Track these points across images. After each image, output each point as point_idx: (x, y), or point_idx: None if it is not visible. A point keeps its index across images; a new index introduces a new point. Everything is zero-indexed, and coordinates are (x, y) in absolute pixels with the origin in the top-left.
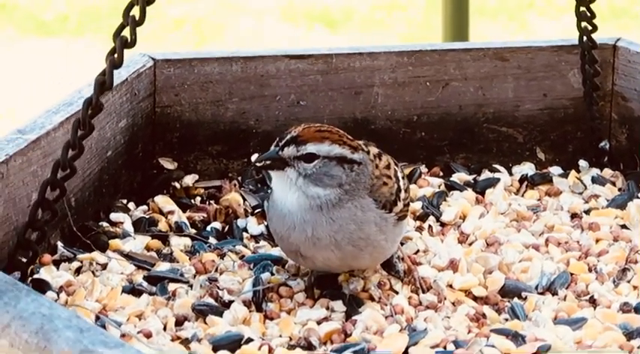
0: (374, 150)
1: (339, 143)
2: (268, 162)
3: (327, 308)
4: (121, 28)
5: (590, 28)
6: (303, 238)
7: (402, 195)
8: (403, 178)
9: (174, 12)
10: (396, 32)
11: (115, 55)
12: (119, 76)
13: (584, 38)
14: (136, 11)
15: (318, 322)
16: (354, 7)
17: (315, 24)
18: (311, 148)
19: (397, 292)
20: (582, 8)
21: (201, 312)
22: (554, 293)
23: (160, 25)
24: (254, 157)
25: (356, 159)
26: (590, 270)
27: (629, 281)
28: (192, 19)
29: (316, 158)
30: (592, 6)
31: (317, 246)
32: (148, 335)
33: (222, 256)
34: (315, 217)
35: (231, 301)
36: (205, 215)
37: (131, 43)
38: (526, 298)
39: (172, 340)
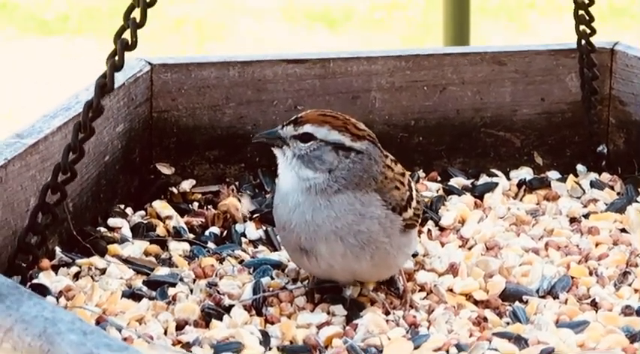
0: (390, 156)
1: (339, 130)
2: (266, 138)
3: (328, 312)
4: (122, 30)
5: (588, 31)
6: (303, 223)
7: (414, 204)
8: (417, 191)
9: (175, 12)
10: (395, 32)
11: (116, 58)
12: (116, 80)
13: (583, 42)
14: (136, 13)
15: (319, 327)
16: (354, 7)
17: (315, 24)
18: (308, 128)
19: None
20: (581, 12)
21: (208, 314)
22: (556, 297)
23: (159, 26)
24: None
25: (356, 147)
26: (590, 273)
27: (630, 284)
28: (192, 19)
29: (312, 139)
30: (591, 9)
31: (318, 234)
32: (150, 339)
33: (221, 260)
34: (310, 200)
35: (231, 306)
36: (203, 220)
37: (132, 46)
38: (527, 301)
39: (173, 344)
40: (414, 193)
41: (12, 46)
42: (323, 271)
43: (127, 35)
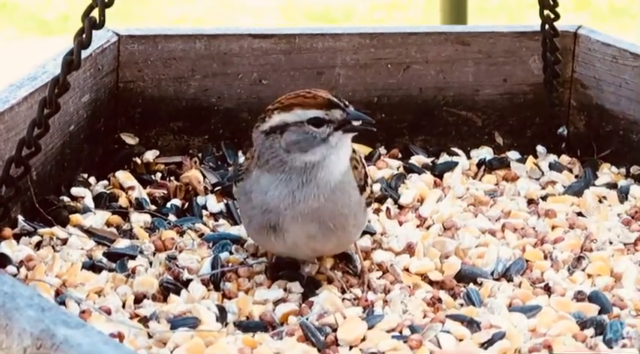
0: None
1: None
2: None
3: (285, 289)
4: (90, 9)
5: (552, 16)
6: (293, 204)
7: (369, 181)
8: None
9: (173, 12)
10: None
11: (84, 36)
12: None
13: (546, 26)
14: None
15: (275, 303)
16: (354, 7)
17: (314, 23)
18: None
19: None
20: None
21: (166, 288)
22: (510, 280)
23: (158, 25)
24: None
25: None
26: (545, 257)
27: (583, 269)
28: (191, 18)
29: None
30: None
31: (302, 216)
32: (108, 312)
33: (181, 233)
34: (323, 182)
35: (189, 280)
36: (165, 192)
37: (99, 24)
38: (482, 283)
39: (131, 317)
40: (367, 169)
41: (12, 46)
42: (286, 249)
43: (95, 14)
